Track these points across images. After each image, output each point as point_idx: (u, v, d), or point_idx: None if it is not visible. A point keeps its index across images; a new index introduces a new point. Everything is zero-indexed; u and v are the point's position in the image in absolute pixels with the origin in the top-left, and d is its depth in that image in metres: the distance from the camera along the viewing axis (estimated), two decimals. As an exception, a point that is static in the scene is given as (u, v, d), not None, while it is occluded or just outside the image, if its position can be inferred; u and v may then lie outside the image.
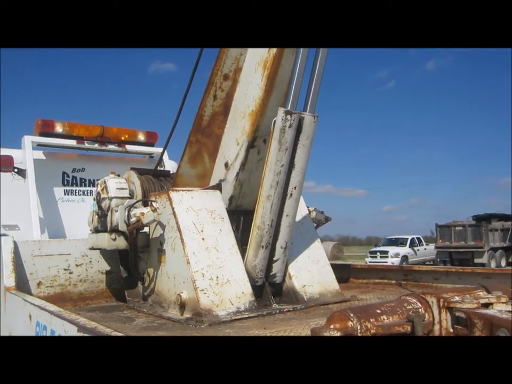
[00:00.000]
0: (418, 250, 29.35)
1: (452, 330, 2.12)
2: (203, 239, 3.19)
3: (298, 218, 3.58)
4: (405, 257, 27.79)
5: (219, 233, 3.29)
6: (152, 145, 6.56)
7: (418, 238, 30.54)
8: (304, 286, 3.49)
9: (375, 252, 29.00)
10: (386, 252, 28.14)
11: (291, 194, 3.21)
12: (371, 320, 1.98)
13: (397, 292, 3.84)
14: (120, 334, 1.92)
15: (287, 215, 3.24)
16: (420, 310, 2.12)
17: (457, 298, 2.15)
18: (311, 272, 3.60)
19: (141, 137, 6.49)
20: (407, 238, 29.93)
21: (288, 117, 3.02)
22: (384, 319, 2.02)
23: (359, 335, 1.95)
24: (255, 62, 3.31)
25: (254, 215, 3.21)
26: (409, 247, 29.17)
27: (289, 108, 3.06)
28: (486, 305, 2.12)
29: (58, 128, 5.84)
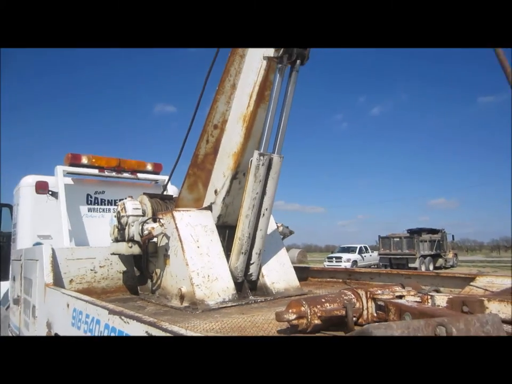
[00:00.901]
0: (365, 256, 29.52)
1: (375, 314, 2.24)
2: (198, 247, 3.30)
3: (269, 231, 3.68)
4: (354, 262, 27.93)
5: (210, 242, 3.39)
6: (157, 173, 6.72)
7: (365, 247, 30.75)
8: (273, 283, 3.56)
9: (331, 258, 29.07)
10: (340, 258, 28.25)
11: (263, 214, 3.35)
12: (317, 306, 2.13)
13: (342, 287, 3.91)
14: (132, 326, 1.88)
15: (260, 229, 3.37)
16: (352, 299, 2.26)
17: (379, 291, 2.29)
18: (278, 272, 3.66)
19: (149, 167, 6.65)
20: (357, 247, 30.10)
21: (261, 157, 3.20)
22: (327, 306, 2.16)
23: (309, 317, 2.08)
24: (237, 116, 3.46)
25: (236, 229, 3.33)
26: (358, 253, 29.33)
27: (262, 151, 3.23)
28: (400, 297, 2.27)
29: (84, 160, 5.96)
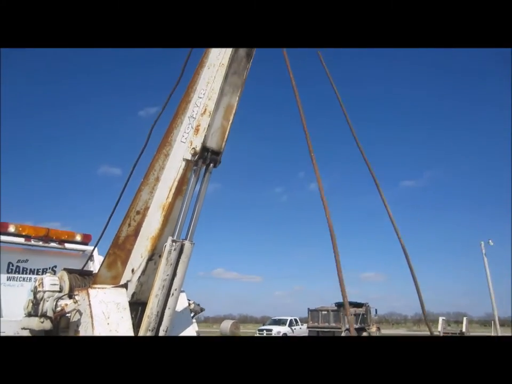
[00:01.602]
0: (295, 329, 29.46)
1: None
2: (108, 323, 3.45)
3: (180, 309, 3.94)
4: (285, 334, 27.77)
5: (121, 319, 3.55)
6: (86, 244, 6.78)
7: (295, 319, 30.77)
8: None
9: (262, 330, 28.68)
10: (271, 330, 27.96)
11: (173, 294, 3.63)
12: None
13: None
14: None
15: (168, 308, 3.62)
16: None
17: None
18: (185, 348, 3.91)
19: (78, 237, 6.71)
20: (287, 319, 30.05)
21: (174, 243, 3.59)
22: None
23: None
24: (157, 205, 3.85)
25: (146, 307, 3.56)
26: (288, 326, 29.24)
27: (175, 237, 3.65)
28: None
29: (11, 229, 5.95)
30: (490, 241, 25.08)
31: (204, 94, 3.79)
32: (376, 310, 32.98)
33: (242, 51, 3.82)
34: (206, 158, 3.76)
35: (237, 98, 3.87)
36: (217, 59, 3.78)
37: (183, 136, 3.86)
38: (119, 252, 4.07)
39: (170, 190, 3.85)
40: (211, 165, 3.82)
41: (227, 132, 3.86)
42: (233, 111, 3.86)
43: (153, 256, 3.82)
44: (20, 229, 6.03)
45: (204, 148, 3.73)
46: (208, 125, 3.70)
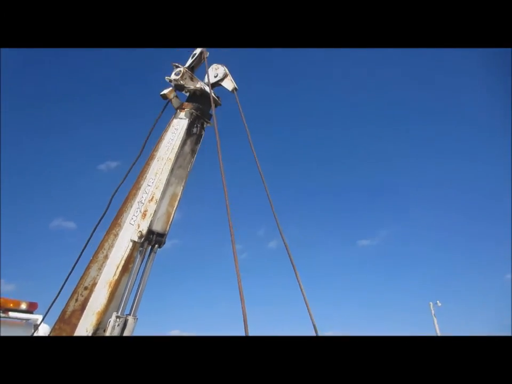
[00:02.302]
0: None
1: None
2: None
3: None
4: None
5: None
6: (31, 312, 6.75)
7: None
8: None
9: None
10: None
11: None
12: None
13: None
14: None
15: None
16: None
17: None
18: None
19: (23, 306, 6.71)
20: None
21: (117, 319, 3.88)
22: None
23: None
24: (104, 281, 4.16)
25: None
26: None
27: (119, 313, 3.94)
28: None
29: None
30: (438, 302, 26.29)
31: (152, 183, 4.31)
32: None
33: (187, 147, 4.43)
34: (151, 240, 4.19)
35: (182, 188, 4.41)
36: (166, 153, 4.36)
37: (132, 218, 4.30)
38: (64, 326, 4.23)
39: (117, 268, 4.19)
40: (156, 245, 4.25)
41: (171, 217, 4.34)
42: (178, 199, 4.38)
43: (98, 330, 4.03)
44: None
45: (150, 231, 4.17)
46: (155, 211, 4.18)
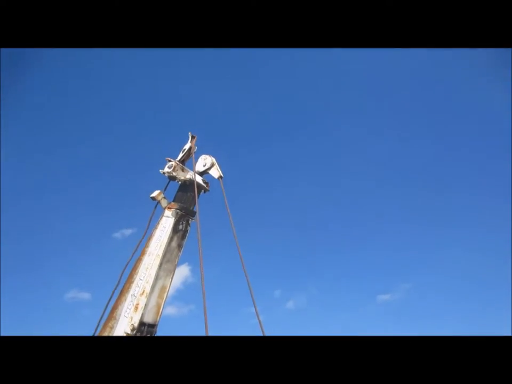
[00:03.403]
0: None
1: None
2: None
3: None
4: None
5: None
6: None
7: None
8: None
9: None
10: None
11: None
12: None
13: None
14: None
15: None
16: None
17: None
18: None
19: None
20: None
21: None
22: None
23: None
24: None
25: None
26: None
27: None
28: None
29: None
30: None
31: (143, 277, 4.70)
32: None
33: (174, 243, 4.89)
34: (143, 331, 4.50)
35: (170, 280, 4.80)
36: (155, 249, 4.81)
37: (126, 311, 4.64)
38: None
39: (112, 360, 4.48)
40: (148, 336, 4.54)
41: (161, 308, 4.68)
42: (166, 291, 4.75)
43: None
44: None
45: (142, 323, 4.49)
46: (145, 304, 4.53)
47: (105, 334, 4.67)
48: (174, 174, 5.17)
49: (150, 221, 5.14)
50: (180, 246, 4.93)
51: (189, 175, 5.29)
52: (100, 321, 4.75)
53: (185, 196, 5.15)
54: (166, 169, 5.18)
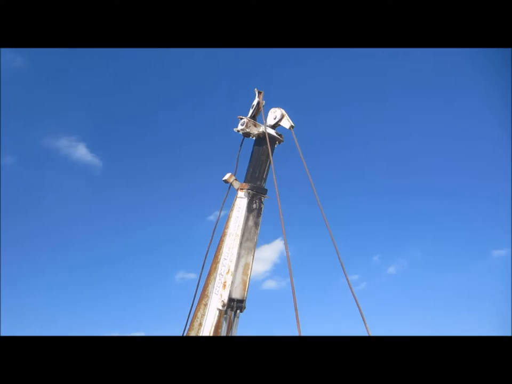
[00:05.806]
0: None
1: None
2: None
3: None
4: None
5: None
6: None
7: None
8: None
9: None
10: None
11: None
12: None
13: None
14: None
15: None
16: None
17: None
18: None
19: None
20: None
21: None
22: None
23: None
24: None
25: None
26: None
27: None
28: None
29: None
30: None
31: (227, 257, 4.85)
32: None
33: (250, 222, 4.93)
34: (233, 306, 4.68)
35: (252, 257, 4.88)
36: (234, 229, 4.90)
37: (216, 289, 4.85)
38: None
39: (210, 333, 4.74)
40: (238, 311, 4.72)
41: (247, 284, 4.80)
42: (250, 267, 4.85)
43: None
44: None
45: (230, 299, 4.66)
46: (232, 282, 4.68)
47: (201, 310, 4.95)
48: (247, 130, 5.20)
49: (223, 203, 5.25)
50: (256, 224, 4.96)
51: (262, 128, 5.26)
52: (194, 300, 5.07)
53: (261, 149, 5.17)
54: (240, 127, 5.24)
